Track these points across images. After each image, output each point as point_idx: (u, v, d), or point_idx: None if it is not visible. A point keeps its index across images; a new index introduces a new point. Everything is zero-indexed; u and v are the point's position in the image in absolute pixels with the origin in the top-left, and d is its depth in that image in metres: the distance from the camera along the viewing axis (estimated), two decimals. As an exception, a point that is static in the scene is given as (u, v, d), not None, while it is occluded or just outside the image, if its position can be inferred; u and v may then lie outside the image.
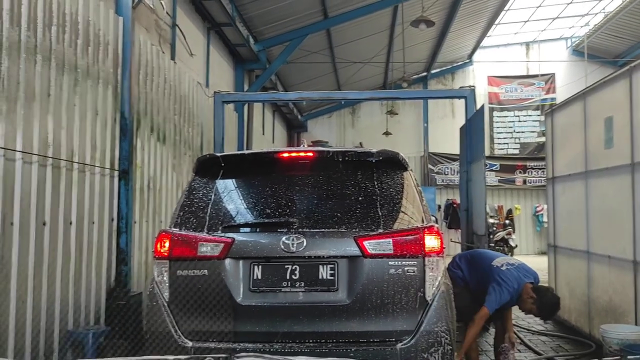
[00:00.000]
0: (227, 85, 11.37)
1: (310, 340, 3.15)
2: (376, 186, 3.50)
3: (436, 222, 3.65)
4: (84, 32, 5.36)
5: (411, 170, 3.74)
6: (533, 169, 18.89)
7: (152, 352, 3.22)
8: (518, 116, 19.99)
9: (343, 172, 3.58)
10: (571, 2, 16.66)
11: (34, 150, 4.55)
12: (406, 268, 3.19)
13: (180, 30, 8.42)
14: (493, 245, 14.70)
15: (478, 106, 8.19)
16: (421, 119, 19.89)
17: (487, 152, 13.22)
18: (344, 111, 20.51)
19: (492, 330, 5.73)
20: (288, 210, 3.43)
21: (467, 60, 20.20)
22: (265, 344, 3.14)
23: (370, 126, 19.87)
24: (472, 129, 8.16)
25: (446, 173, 19.17)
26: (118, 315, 5.50)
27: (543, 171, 16.67)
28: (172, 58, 8.11)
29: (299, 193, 3.58)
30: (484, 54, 20.30)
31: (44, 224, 4.68)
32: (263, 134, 14.87)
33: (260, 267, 3.26)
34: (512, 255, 13.89)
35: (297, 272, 3.23)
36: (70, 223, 5.10)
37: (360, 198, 3.45)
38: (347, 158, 3.57)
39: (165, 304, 3.27)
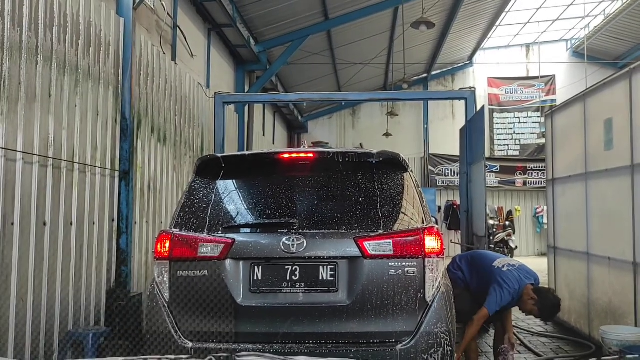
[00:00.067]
0: (228, 86, 11.38)
1: (310, 341, 3.15)
2: (376, 187, 3.50)
3: (436, 223, 3.65)
4: (85, 33, 5.37)
5: (411, 171, 3.75)
6: (533, 170, 18.89)
7: (152, 353, 3.22)
8: (518, 118, 20.01)
9: (343, 173, 3.58)
10: (571, 4, 16.67)
11: (35, 151, 4.56)
12: (406, 269, 3.20)
13: (181, 31, 8.43)
14: (493, 246, 14.68)
15: (478, 107, 8.20)
16: (421, 120, 19.90)
17: (487, 154, 13.21)
18: (344, 112, 20.53)
19: (492, 332, 5.73)
20: (288, 211, 3.44)
21: (468, 62, 20.21)
22: (265, 345, 3.14)
23: (370, 127, 19.88)
24: (473, 131, 8.17)
25: (446, 174, 19.18)
26: (118, 316, 5.50)
27: (543, 173, 16.67)
28: (173, 59, 8.12)
29: (299, 194, 3.59)
30: (484, 56, 20.33)
31: (45, 224, 4.69)
32: (263, 135, 14.88)
33: (260, 267, 3.26)
34: (512, 256, 13.88)
35: (297, 272, 3.23)
36: (71, 223, 5.10)
37: (360, 199, 3.46)
38: (347, 159, 3.57)
39: (166, 305, 3.28)
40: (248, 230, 3.44)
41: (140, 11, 6.83)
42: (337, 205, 3.49)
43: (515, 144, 19.93)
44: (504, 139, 19.96)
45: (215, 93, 9.02)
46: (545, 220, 15.65)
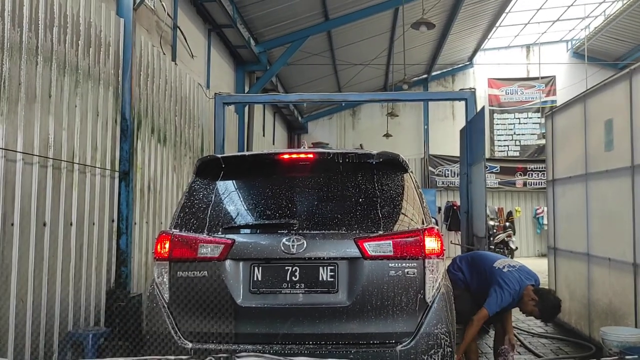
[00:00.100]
0: (228, 87, 11.38)
1: (310, 342, 3.14)
2: (376, 188, 3.50)
3: (436, 224, 3.65)
4: (85, 33, 5.37)
5: (411, 172, 3.75)
6: (533, 171, 18.88)
7: (152, 354, 3.22)
8: (518, 118, 20.01)
9: (343, 173, 3.58)
10: (572, 5, 16.68)
11: (35, 151, 4.56)
12: (406, 270, 3.19)
13: (181, 32, 8.44)
14: (493, 247, 14.68)
15: (478, 108, 8.20)
16: (421, 121, 19.91)
17: (487, 155, 13.21)
18: (344, 113, 20.54)
19: (492, 332, 5.73)
20: (288, 212, 3.44)
21: (468, 63, 20.22)
22: (265, 346, 3.14)
23: (370, 128, 19.89)
24: (473, 131, 8.17)
25: (446, 175, 19.18)
26: (118, 317, 5.50)
27: (543, 173, 16.67)
28: (173, 59, 8.12)
29: (299, 195, 3.58)
30: (485, 56, 20.34)
31: (45, 224, 4.69)
32: (263, 135, 14.88)
33: (260, 268, 3.26)
34: (512, 257, 13.88)
35: (297, 273, 3.23)
36: (71, 224, 5.10)
37: (360, 200, 3.45)
38: (347, 160, 3.57)
39: (165, 305, 3.27)
40: (248, 230, 3.44)
41: (140, 12, 6.83)
42: (337, 206, 3.49)
43: (516, 145, 19.93)
44: (504, 140, 19.96)
45: (215, 93, 9.02)
46: (545, 221, 15.65)
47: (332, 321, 3.16)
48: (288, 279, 3.23)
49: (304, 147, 4.42)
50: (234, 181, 3.69)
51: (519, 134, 19.97)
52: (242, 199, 3.66)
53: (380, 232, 3.26)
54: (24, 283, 4.40)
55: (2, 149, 4.15)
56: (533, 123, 19.85)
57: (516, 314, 5.21)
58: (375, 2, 11.80)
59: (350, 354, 3.10)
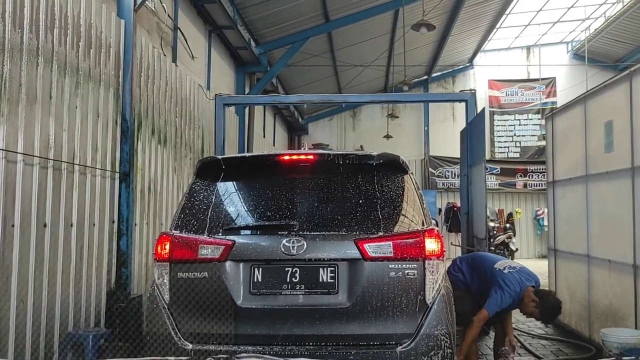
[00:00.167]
0: (228, 88, 11.39)
1: (310, 343, 3.15)
2: (376, 189, 3.50)
3: (436, 225, 3.65)
4: (86, 34, 5.38)
5: (411, 173, 3.75)
6: (534, 172, 18.88)
7: (153, 355, 3.22)
8: (519, 120, 20.02)
9: (343, 175, 3.58)
10: (572, 7, 16.69)
11: (35, 152, 4.57)
12: (406, 271, 3.20)
13: (182, 33, 8.44)
14: (493, 248, 14.69)
15: (479, 110, 8.20)
16: (422, 122, 19.92)
17: (487, 156, 13.23)
18: (344, 114, 20.55)
19: (492, 334, 5.73)
20: (289, 213, 3.44)
21: (468, 64, 20.24)
22: (265, 347, 3.14)
23: (371, 129, 19.90)
24: (473, 133, 8.17)
25: (447, 176, 19.18)
26: (118, 318, 5.50)
27: (544, 175, 16.67)
28: (174, 61, 8.13)
29: (299, 196, 3.58)
30: (485, 58, 20.35)
31: (45, 225, 4.69)
32: (264, 136, 14.88)
33: (260, 269, 3.26)
34: (512, 258, 13.88)
35: (297, 274, 3.23)
36: (71, 225, 5.10)
37: (360, 201, 3.46)
38: (347, 161, 3.57)
39: (166, 307, 3.27)
40: (248, 232, 3.45)
41: (141, 13, 6.83)
42: (337, 207, 3.49)
43: (516, 146, 19.94)
44: (505, 141, 19.97)
45: (216, 95, 9.03)
46: (545, 223, 15.65)
47: (332, 322, 3.16)
48: (288, 280, 3.23)
49: (305, 149, 4.42)
50: (234, 182, 3.69)
51: (519, 136, 19.98)
52: (242, 200, 3.66)
53: (381, 234, 3.26)
54: (24, 284, 4.40)
55: (2, 150, 4.16)
56: (533, 124, 19.86)
57: (516, 315, 5.21)
58: (376, 4, 11.81)
59: (350, 355, 3.10)
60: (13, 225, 4.28)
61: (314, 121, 20.46)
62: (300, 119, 19.05)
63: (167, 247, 3.33)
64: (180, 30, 8.39)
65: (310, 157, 3.67)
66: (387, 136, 18.05)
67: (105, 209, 5.78)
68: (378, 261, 3.20)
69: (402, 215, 3.52)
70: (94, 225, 5.51)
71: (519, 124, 20.00)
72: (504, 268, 4.77)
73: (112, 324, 5.52)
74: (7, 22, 4.20)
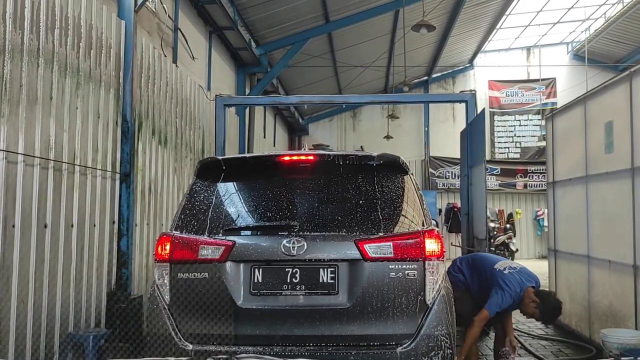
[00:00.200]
0: (229, 89, 11.40)
1: (311, 344, 3.15)
2: (377, 190, 3.50)
3: (437, 225, 3.65)
4: (87, 35, 5.38)
5: (412, 174, 3.75)
6: (534, 173, 18.89)
7: (153, 355, 3.22)
8: (519, 120, 20.02)
9: (344, 175, 3.59)
10: (572, 7, 16.70)
11: (36, 153, 4.57)
12: (406, 272, 3.20)
13: (182, 34, 8.45)
14: (494, 249, 14.68)
15: (479, 110, 8.20)
16: (422, 122, 19.92)
17: (487, 156, 13.23)
18: (345, 115, 20.56)
19: (493, 335, 5.73)
20: (289, 214, 3.45)
21: (468, 65, 20.24)
22: (266, 347, 3.14)
23: (371, 130, 19.90)
24: (473, 133, 8.17)
25: (447, 177, 19.18)
26: (119, 318, 5.51)
27: (544, 175, 16.66)
28: (174, 61, 8.13)
29: (300, 196, 3.59)
30: (485, 58, 20.36)
31: (46, 226, 4.70)
32: (264, 137, 14.89)
33: (260, 270, 3.26)
34: (512, 259, 13.87)
35: (297, 275, 3.23)
36: (72, 226, 5.11)
37: (360, 202, 3.46)
38: (348, 162, 3.57)
39: (166, 307, 3.28)
40: (248, 232, 3.45)
41: (142, 14, 6.84)
42: (337, 207, 3.49)
43: (516, 147, 19.94)
44: (505, 142, 19.97)
45: (216, 95, 9.04)
46: (545, 223, 15.65)
47: (333, 323, 3.16)
48: (288, 280, 3.23)
49: (305, 149, 4.43)
50: (234, 183, 3.70)
51: (519, 136, 19.98)
52: (242, 201, 3.67)
53: (381, 234, 3.26)
54: (25, 284, 4.41)
55: (3, 150, 4.16)
56: (533, 125, 19.86)
57: (517, 315, 5.21)
58: (376, 5, 11.81)
59: (350, 356, 3.10)
60: (14, 226, 4.29)
61: (315, 122, 20.47)
62: (300, 120, 19.06)
63: (168, 247, 3.33)
64: (181, 31, 8.40)
65: (311, 157, 3.67)
66: (388, 137, 18.05)
67: (106, 209, 5.78)
68: (378, 262, 3.20)
69: (402, 215, 3.52)
70: (94, 225, 5.52)
71: (519, 125, 20.00)
72: (504, 269, 4.77)
73: (112, 325, 5.52)
74: (8, 23, 4.21)
